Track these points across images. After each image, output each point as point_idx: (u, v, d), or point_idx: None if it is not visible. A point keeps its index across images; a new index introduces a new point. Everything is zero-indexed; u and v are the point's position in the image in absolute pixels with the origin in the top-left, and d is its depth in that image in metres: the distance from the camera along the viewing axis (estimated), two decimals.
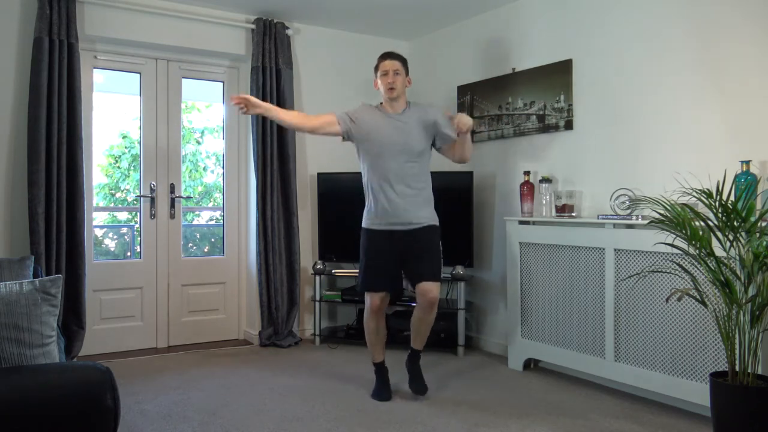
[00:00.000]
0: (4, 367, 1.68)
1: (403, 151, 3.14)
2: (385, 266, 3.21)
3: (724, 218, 2.45)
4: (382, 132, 3.17)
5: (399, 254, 3.18)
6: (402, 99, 3.23)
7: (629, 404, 3.14)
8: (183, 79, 4.47)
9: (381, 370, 3.33)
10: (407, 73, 3.26)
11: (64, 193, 3.73)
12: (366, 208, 3.27)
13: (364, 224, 3.28)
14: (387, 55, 3.23)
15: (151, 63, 4.35)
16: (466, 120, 3.07)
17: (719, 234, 2.48)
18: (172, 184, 4.41)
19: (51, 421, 1.55)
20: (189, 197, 4.53)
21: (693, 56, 3.13)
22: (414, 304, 4.23)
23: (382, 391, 3.27)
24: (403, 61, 3.25)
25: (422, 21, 4.62)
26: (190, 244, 4.71)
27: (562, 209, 3.63)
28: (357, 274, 4.47)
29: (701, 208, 2.54)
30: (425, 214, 3.20)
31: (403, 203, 3.14)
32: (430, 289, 3.14)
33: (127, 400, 3.12)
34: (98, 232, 4.34)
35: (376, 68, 3.24)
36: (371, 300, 3.22)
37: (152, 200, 4.34)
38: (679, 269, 2.68)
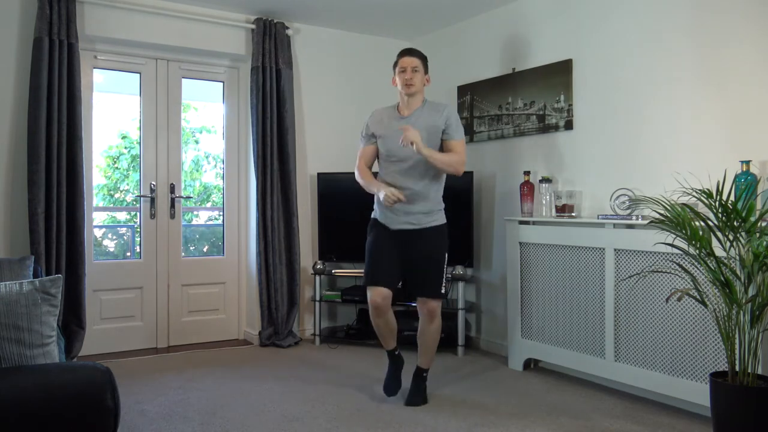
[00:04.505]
0: (4, 367, 1.68)
1: (409, 155, 3.07)
2: (389, 261, 3.14)
3: (724, 218, 2.45)
4: (389, 134, 3.15)
5: (402, 252, 3.13)
6: (419, 96, 3.18)
7: (629, 404, 3.14)
8: (183, 79, 4.47)
9: (393, 357, 3.26)
10: (426, 71, 3.21)
11: (64, 193, 3.73)
12: (376, 200, 3.23)
13: (373, 215, 3.25)
14: (406, 52, 3.19)
15: (151, 63, 4.35)
16: (408, 135, 2.94)
17: (719, 234, 2.48)
18: (172, 184, 4.41)
19: (51, 421, 1.55)
20: (189, 197, 4.54)
21: (693, 56, 3.13)
22: (412, 304, 4.22)
23: (390, 382, 3.22)
24: (423, 59, 3.20)
25: (422, 21, 4.62)
26: (190, 244, 4.71)
27: (562, 209, 3.63)
28: (357, 275, 4.51)
29: (701, 208, 2.54)
30: (431, 215, 3.15)
31: (408, 204, 3.09)
32: (429, 300, 3.14)
33: (127, 400, 3.11)
34: (98, 233, 4.34)
35: (395, 64, 3.21)
36: (371, 297, 3.11)
37: (152, 200, 4.34)
38: (679, 269, 2.68)
